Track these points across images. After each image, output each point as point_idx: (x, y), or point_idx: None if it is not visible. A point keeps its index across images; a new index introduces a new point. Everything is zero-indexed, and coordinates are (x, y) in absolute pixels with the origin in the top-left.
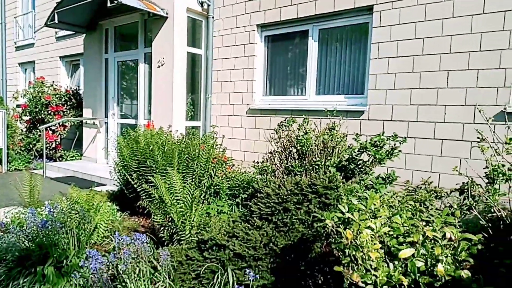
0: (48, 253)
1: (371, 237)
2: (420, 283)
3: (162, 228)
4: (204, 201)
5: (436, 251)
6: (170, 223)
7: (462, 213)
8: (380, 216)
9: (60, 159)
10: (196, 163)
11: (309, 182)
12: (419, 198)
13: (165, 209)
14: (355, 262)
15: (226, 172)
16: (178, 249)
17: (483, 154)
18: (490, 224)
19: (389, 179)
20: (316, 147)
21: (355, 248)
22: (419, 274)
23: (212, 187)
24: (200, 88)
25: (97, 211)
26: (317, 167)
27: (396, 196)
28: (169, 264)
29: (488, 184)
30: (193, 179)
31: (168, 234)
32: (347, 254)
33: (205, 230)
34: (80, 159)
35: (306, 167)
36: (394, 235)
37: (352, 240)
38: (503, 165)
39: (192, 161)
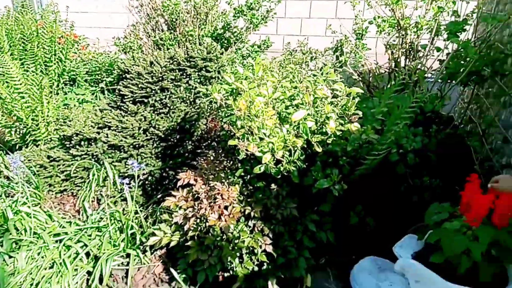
0: None
1: (264, 105)
2: (313, 142)
3: (8, 130)
4: (59, 91)
5: (326, 109)
6: (17, 123)
7: (335, 71)
8: (268, 82)
9: None
10: (37, 45)
11: (186, 55)
12: (297, 61)
13: (6, 106)
14: (250, 133)
15: (80, 54)
16: (35, 152)
17: (354, 10)
18: (361, 78)
19: (265, 45)
20: (187, 14)
21: (250, 119)
22: (311, 134)
23: (66, 74)
24: None
25: None
26: (191, 38)
27: (275, 61)
28: (26, 171)
29: (356, 40)
30: (37, 67)
31: (19, 136)
32: (240, 126)
33: (66, 124)
34: None
35: (178, 39)
36: (283, 100)
37: (246, 111)
38: (379, 17)
39: (30, 42)
